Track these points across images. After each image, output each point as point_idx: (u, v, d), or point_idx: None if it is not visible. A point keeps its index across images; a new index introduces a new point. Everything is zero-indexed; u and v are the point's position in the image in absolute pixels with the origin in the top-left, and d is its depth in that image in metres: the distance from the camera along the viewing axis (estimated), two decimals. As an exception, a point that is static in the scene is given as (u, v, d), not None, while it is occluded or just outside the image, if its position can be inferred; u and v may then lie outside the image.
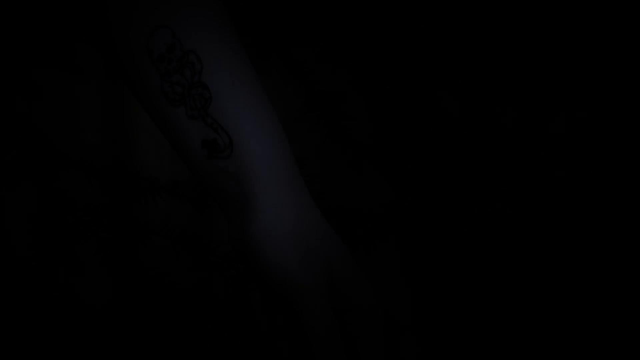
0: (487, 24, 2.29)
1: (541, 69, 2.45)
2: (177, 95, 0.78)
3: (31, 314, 1.23)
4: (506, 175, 1.78)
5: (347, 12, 1.74)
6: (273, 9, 1.65)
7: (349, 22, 1.70)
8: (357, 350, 0.79)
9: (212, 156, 0.78)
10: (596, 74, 2.93)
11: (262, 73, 1.60)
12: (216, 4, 0.83)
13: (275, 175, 0.79)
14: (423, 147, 1.61)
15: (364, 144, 1.71)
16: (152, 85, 0.79)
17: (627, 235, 2.42)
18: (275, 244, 0.78)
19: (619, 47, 2.57)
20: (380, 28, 1.74)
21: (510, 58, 1.86)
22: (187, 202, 1.39)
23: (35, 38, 1.68)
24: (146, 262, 1.36)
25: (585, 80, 3.07)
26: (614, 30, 2.53)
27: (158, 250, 1.40)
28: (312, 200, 0.82)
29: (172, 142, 0.82)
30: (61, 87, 4.09)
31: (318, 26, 1.66)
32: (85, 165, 1.38)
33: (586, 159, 2.38)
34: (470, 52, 1.88)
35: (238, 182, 0.78)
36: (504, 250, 2.15)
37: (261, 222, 0.78)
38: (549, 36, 2.37)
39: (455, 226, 1.55)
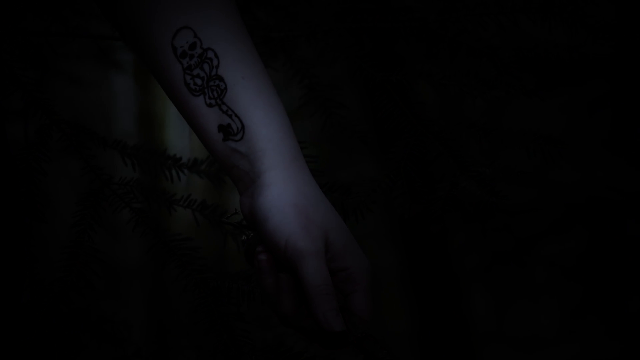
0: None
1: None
2: (198, 86, 0.78)
3: (73, 273, 1.21)
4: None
5: (342, 16, 1.73)
6: (281, 15, 1.64)
7: (344, 25, 1.69)
8: (348, 304, 0.80)
9: (226, 138, 0.79)
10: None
11: (271, 68, 1.60)
12: (230, 8, 0.82)
13: (280, 155, 0.79)
14: (405, 131, 1.59)
15: (356, 129, 1.70)
16: (176, 78, 0.79)
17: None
18: (280, 213, 0.78)
19: None
20: (367, 30, 1.73)
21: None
22: (206, 177, 1.38)
23: (82, 37, 1.68)
24: (172, 228, 1.35)
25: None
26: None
27: (181, 218, 1.39)
28: (311, 177, 0.82)
29: (192, 126, 0.82)
30: (104, 80, 4.06)
31: (318, 29, 1.65)
32: (120, 146, 1.36)
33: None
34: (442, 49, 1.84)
35: (249, 161, 0.78)
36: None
37: (268, 195, 0.78)
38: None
39: (430, 200, 1.53)
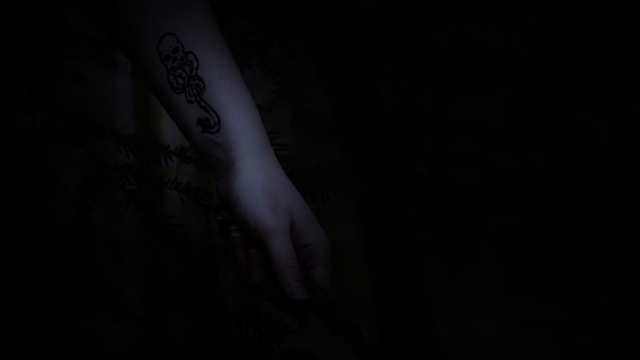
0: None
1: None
2: (180, 85, 0.78)
3: (73, 247, 1.20)
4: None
5: (309, 22, 1.73)
6: (256, 20, 1.64)
7: (311, 29, 1.69)
8: (310, 276, 0.80)
9: (204, 130, 0.78)
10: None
11: (248, 67, 1.60)
12: (209, 17, 0.82)
13: (252, 146, 0.79)
14: (365, 122, 1.59)
15: (322, 120, 1.70)
16: (161, 77, 0.79)
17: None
18: (251, 196, 0.77)
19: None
20: (332, 34, 1.73)
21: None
22: (190, 163, 1.37)
23: (82, 41, 1.67)
24: (160, 208, 1.34)
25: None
26: None
27: (169, 199, 1.38)
28: (278, 164, 0.82)
29: (175, 119, 0.82)
30: (105, 78, 4.01)
31: (288, 33, 1.65)
32: (116, 135, 1.35)
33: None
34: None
35: (224, 151, 0.78)
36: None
37: (241, 180, 0.78)
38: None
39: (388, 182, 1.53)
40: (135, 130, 4.19)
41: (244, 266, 0.80)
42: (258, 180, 0.79)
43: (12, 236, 0.80)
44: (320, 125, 1.71)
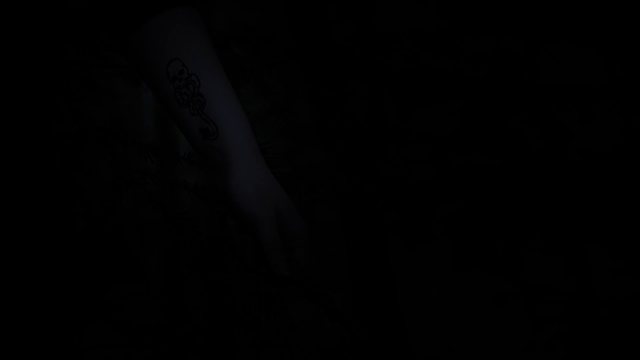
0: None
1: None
2: (184, 101, 0.79)
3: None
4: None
5: (294, 50, 1.75)
6: (250, 49, 1.66)
7: (295, 57, 1.71)
8: (293, 256, 0.81)
9: (205, 138, 0.79)
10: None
11: (244, 88, 1.62)
12: (208, 45, 0.83)
13: (244, 150, 0.80)
14: (342, 132, 1.61)
15: (305, 132, 1.71)
16: (169, 94, 0.79)
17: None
18: (244, 192, 0.78)
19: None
20: (312, 59, 1.75)
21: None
22: (197, 166, 1.38)
23: (110, 67, 1.69)
24: (175, 206, 1.34)
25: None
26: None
27: (182, 197, 1.38)
28: (264, 164, 0.82)
29: (181, 128, 0.82)
30: (132, 92, 3.99)
31: (276, 60, 1.67)
32: (136, 145, 1.36)
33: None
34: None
35: (221, 154, 0.78)
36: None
37: (235, 179, 0.78)
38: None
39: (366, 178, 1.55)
40: (157, 134, 4.20)
41: (239, 247, 0.80)
42: (250, 178, 0.80)
43: (58, 218, 0.80)
44: (305, 133, 1.73)
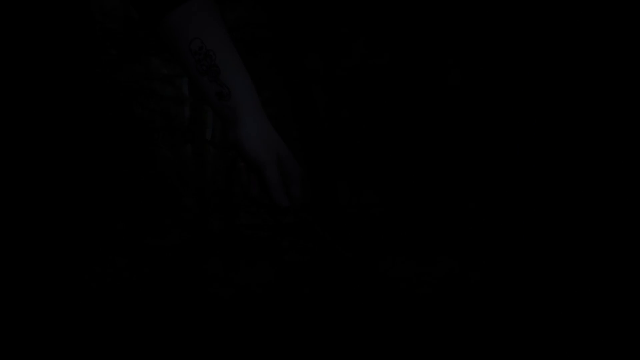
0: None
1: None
2: (203, 70, 0.90)
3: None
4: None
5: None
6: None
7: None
8: (289, 191, 0.93)
9: (220, 98, 0.90)
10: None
11: (251, 57, 1.69)
12: (221, 26, 0.93)
13: (250, 108, 0.91)
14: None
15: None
16: (192, 65, 0.91)
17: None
18: (252, 140, 0.90)
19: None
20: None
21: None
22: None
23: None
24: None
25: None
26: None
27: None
28: (268, 120, 0.93)
29: (201, 93, 0.93)
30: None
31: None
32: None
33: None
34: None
35: (233, 111, 0.90)
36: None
37: (244, 130, 0.90)
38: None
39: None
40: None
41: (246, 184, 0.93)
42: (256, 129, 0.90)
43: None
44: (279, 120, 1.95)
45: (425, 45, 3.51)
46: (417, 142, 3.66)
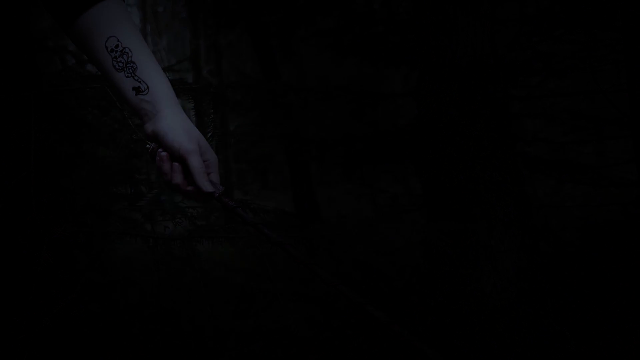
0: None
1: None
2: (120, 67, 0.91)
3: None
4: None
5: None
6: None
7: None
8: (209, 178, 0.95)
9: (137, 94, 0.91)
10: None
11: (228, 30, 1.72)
12: (133, 25, 0.94)
13: (169, 101, 0.93)
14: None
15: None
16: (108, 63, 0.91)
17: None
18: (175, 131, 0.92)
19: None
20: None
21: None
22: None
23: None
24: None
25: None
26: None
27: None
28: (184, 113, 0.95)
29: (117, 89, 0.93)
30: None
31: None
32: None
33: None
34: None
35: (151, 105, 0.92)
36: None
37: (165, 122, 0.92)
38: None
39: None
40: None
41: (169, 173, 0.94)
42: (177, 121, 0.92)
43: None
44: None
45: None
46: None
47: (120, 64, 0.91)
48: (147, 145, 0.98)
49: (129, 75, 0.91)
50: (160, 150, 0.94)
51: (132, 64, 0.91)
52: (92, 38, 0.91)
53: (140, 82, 0.92)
